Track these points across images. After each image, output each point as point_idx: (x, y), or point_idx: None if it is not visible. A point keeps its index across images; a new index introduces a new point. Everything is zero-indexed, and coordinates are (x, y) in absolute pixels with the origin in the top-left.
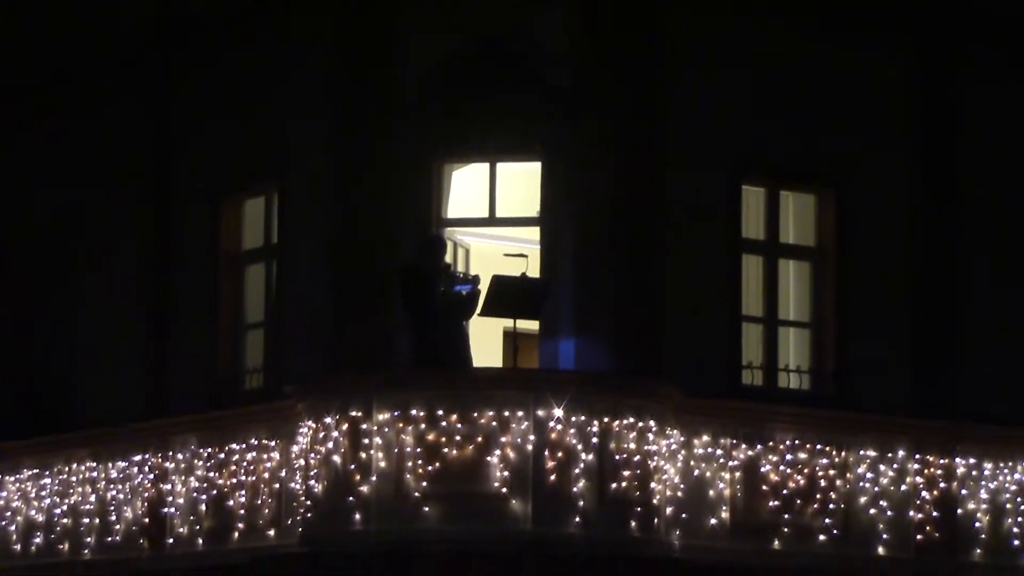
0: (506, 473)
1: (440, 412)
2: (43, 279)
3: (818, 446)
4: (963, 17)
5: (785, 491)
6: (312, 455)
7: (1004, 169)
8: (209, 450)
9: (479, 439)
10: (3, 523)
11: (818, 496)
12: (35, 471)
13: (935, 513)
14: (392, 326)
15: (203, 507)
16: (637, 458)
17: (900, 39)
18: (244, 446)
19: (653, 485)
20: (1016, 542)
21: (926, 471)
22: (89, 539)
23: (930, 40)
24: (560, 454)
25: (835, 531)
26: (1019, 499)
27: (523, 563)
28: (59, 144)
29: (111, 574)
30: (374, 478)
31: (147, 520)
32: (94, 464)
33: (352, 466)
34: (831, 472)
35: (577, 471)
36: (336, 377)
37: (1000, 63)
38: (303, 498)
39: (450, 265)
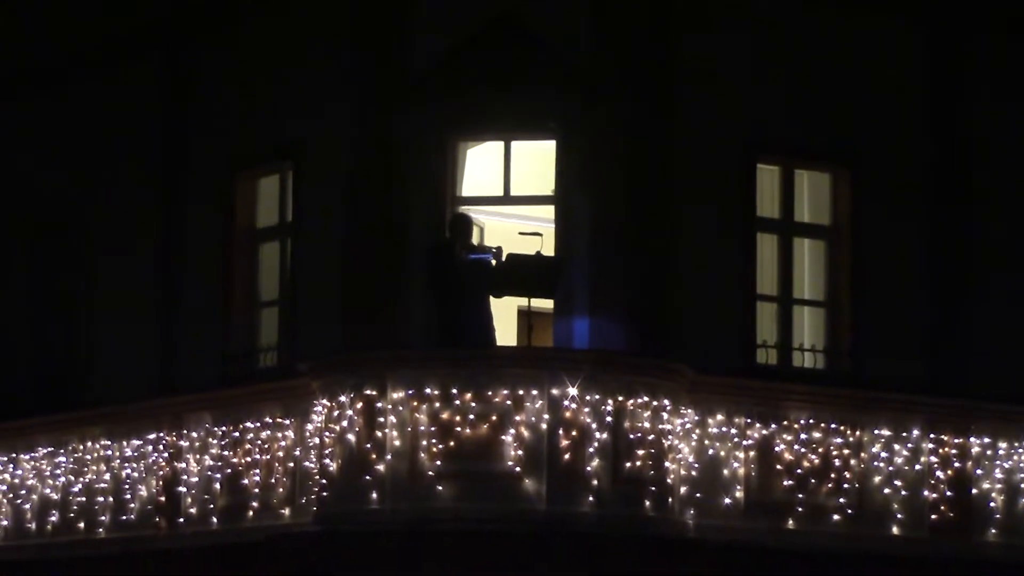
0: (520, 452)
1: (454, 391)
2: (58, 258)
3: (832, 425)
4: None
5: (799, 470)
6: (327, 433)
7: (1020, 146)
8: (223, 428)
9: (493, 418)
10: (18, 501)
11: (832, 475)
12: (50, 449)
13: (949, 493)
14: (407, 304)
15: (217, 486)
16: (651, 437)
17: (915, 15)
18: (258, 424)
19: (667, 464)
20: None
21: (940, 450)
22: (104, 517)
23: (944, 15)
24: (574, 433)
25: (849, 510)
26: None
27: (537, 542)
28: (74, 122)
29: (126, 552)
30: (389, 457)
31: (161, 498)
32: (108, 442)
33: (367, 445)
34: (845, 451)
35: (591, 450)
36: (350, 355)
37: (1015, 39)
38: (318, 477)
39: (498, 248)
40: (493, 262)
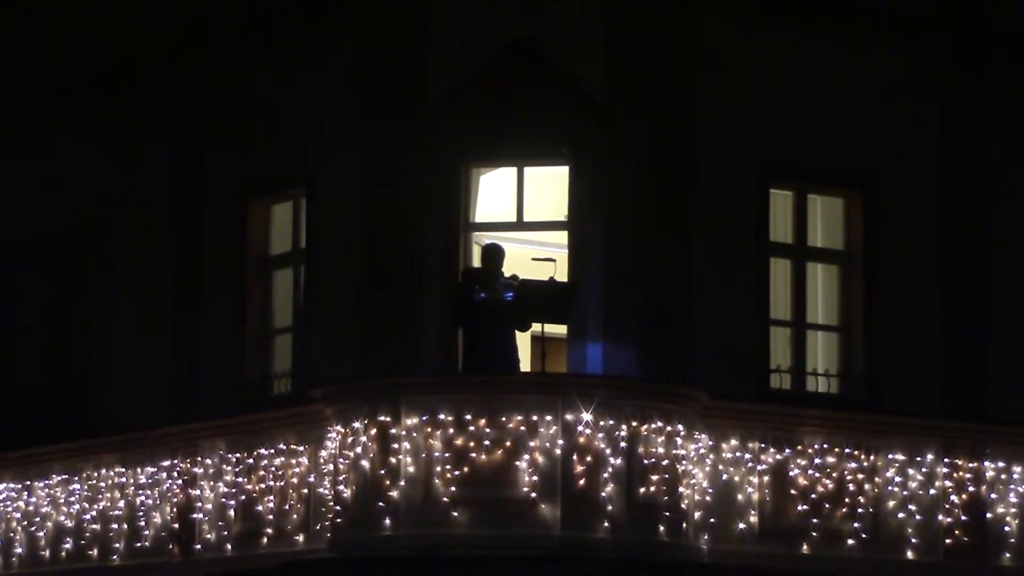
0: (535, 478)
1: (468, 417)
2: (73, 284)
3: (847, 450)
4: (991, 21)
5: (814, 495)
6: (340, 460)
7: None
8: (237, 455)
9: (507, 443)
10: (33, 528)
11: (847, 500)
12: (64, 476)
13: (964, 517)
14: (420, 330)
15: (232, 512)
16: (665, 462)
17: (928, 41)
18: (272, 451)
19: (681, 489)
20: None
21: (955, 475)
22: (118, 544)
23: (958, 41)
24: (589, 458)
25: (864, 535)
26: None
27: (552, 568)
28: (90, 149)
29: None
30: (403, 483)
31: (176, 525)
32: (123, 469)
33: (381, 471)
34: (860, 476)
35: (606, 475)
36: (364, 382)
37: None
38: (332, 503)
39: (511, 275)
40: (508, 295)
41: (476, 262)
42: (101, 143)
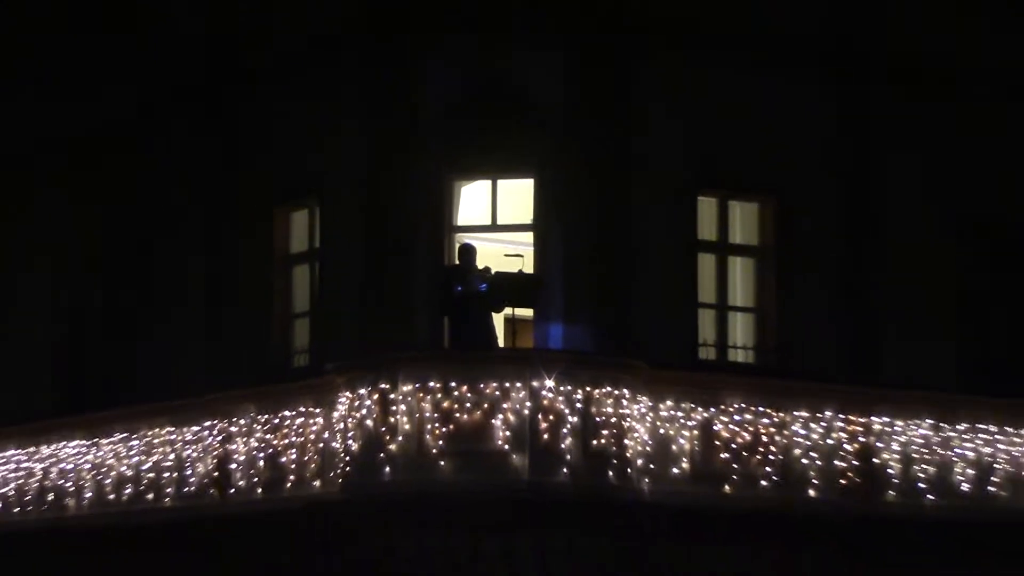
0: (507, 433)
1: (453, 384)
2: (134, 282)
3: (761, 408)
4: (872, 55)
5: (734, 445)
6: (349, 420)
7: (912, 181)
8: (265, 416)
9: (485, 406)
10: (99, 477)
11: (761, 449)
12: (124, 435)
13: (855, 462)
14: (413, 314)
15: (260, 463)
16: (613, 420)
17: (823, 75)
18: (294, 413)
19: (627, 442)
20: (921, 485)
21: (848, 428)
22: (169, 490)
23: (848, 73)
24: (551, 417)
25: (775, 477)
26: (923, 450)
27: (522, 507)
28: (144, 170)
29: (186, 518)
30: (400, 438)
31: (215, 474)
32: (172, 429)
33: (382, 428)
34: (771, 429)
35: (565, 431)
36: (369, 357)
37: (909, 91)
38: (342, 455)
39: (484, 267)
40: (483, 287)
41: (455, 257)
42: (155, 167)
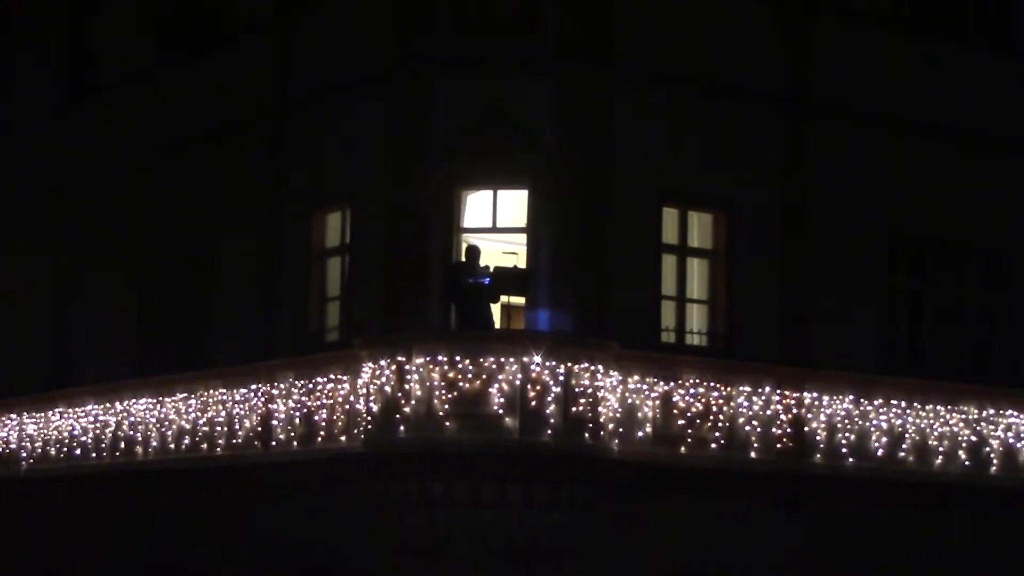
0: (502, 399)
1: (458, 358)
2: (191, 272)
3: (711, 383)
4: (811, 93)
5: (689, 414)
6: (371, 386)
7: (840, 194)
8: (302, 381)
9: (484, 377)
10: (163, 430)
11: (711, 417)
12: (184, 395)
13: (790, 430)
14: (426, 300)
15: (297, 420)
16: (590, 391)
17: (768, 106)
18: (325, 379)
19: (600, 409)
20: (844, 450)
21: (784, 401)
22: (220, 442)
23: (789, 108)
24: (538, 387)
25: (722, 441)
26: (846, 421)
27: (514, 461)
28: (201, 179)
29: (235, 465)
30: (412, 402)
31: (259, 429)
32: (224, 391)
33: (398, 394)
34: (720, 401)
35: (549, 399)
36: (388, 335)
37: (841, 123)
38: (365, 415)
39: (486, 265)
40: (487, 281)
41: (463, 255)
42: (211, 177)
